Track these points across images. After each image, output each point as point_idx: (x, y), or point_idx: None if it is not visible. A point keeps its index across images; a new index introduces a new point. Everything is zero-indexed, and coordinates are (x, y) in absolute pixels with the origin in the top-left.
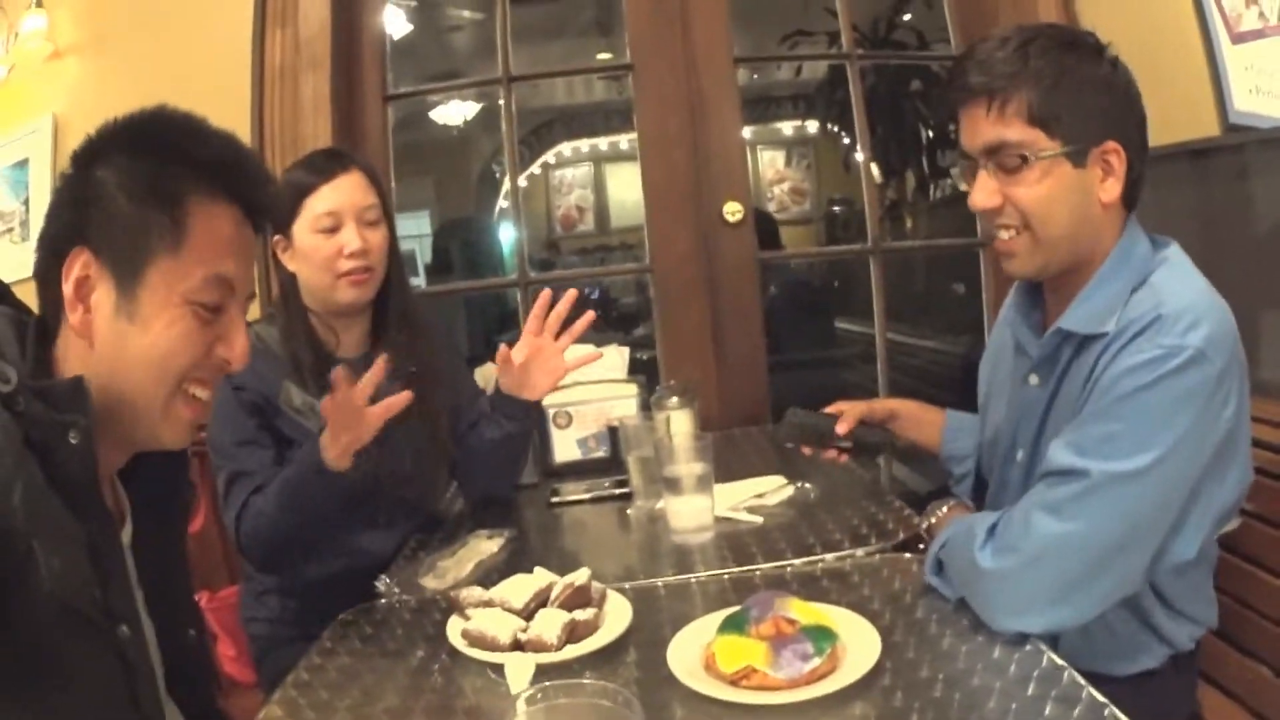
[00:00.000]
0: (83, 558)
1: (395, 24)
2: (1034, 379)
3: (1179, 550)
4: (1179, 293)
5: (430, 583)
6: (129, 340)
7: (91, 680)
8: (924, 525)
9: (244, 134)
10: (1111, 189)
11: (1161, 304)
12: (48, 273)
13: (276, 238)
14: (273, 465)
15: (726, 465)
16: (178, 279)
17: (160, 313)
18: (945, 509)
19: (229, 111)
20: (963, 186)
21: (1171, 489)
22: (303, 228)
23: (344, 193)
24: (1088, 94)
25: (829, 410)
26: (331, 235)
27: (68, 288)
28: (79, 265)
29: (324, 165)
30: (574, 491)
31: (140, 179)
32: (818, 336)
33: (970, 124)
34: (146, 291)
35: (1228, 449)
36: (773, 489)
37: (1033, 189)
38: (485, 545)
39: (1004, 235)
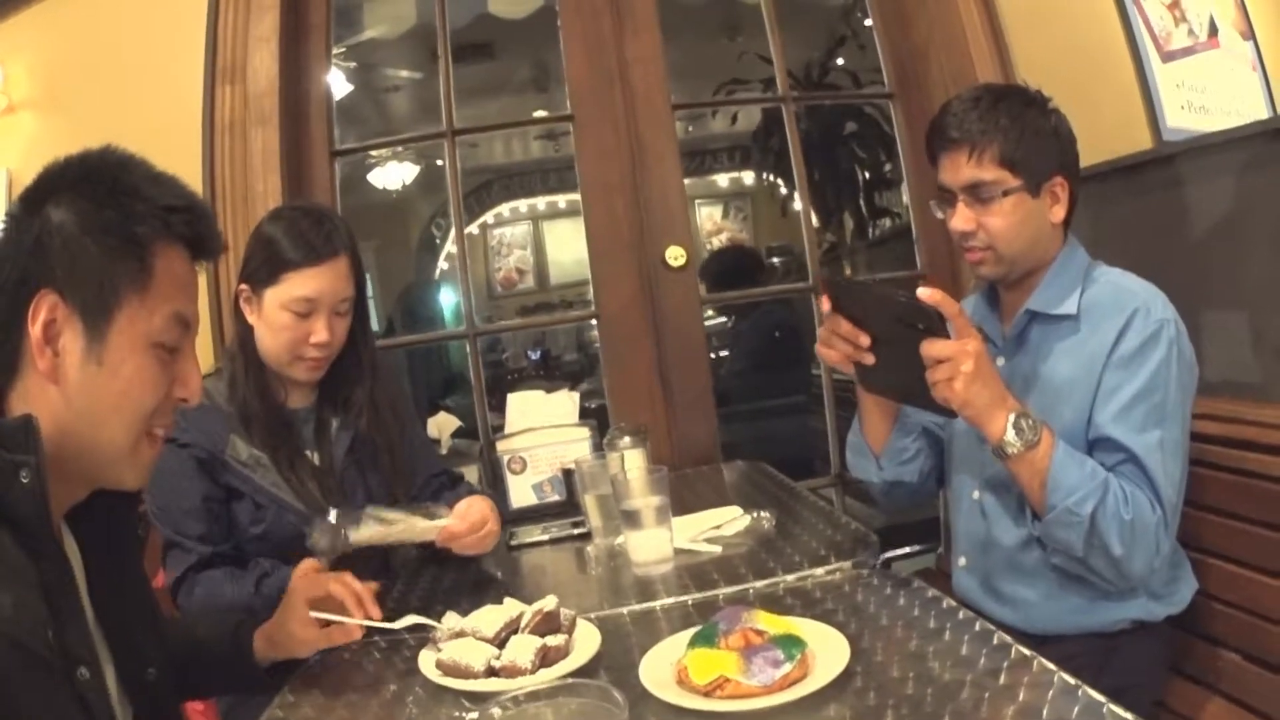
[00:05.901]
0: (35, 597)
1: (339, 85)
2: (1000, 360)
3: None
4: (1133, 284)
5: (355, 534)
6: (98, 384)
7: None
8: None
9: (195, 188)
10: (1058, 212)
11: (1133, 293)
12: (2, 316)
13: (242, 287)
14: (214, 533)
15: (682, 502)
16: (143, 320)
17: (129, 357)
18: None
19: (180, 165)
20: (938, 215)
21: (1186, 426)
22: (274, 299)
23: (326, 282)
24: (1042, 141)
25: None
26: (301, 319)
27: (35, 330)
28: (46, 308)
29: (316, 246)
30: (533, 534)
31: (107, 225)
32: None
33: (952, 166)
34: (115, 334)
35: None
36: (729, 520)
37: (1004, 218)
38: (420, 526)
39: (975, 254)
